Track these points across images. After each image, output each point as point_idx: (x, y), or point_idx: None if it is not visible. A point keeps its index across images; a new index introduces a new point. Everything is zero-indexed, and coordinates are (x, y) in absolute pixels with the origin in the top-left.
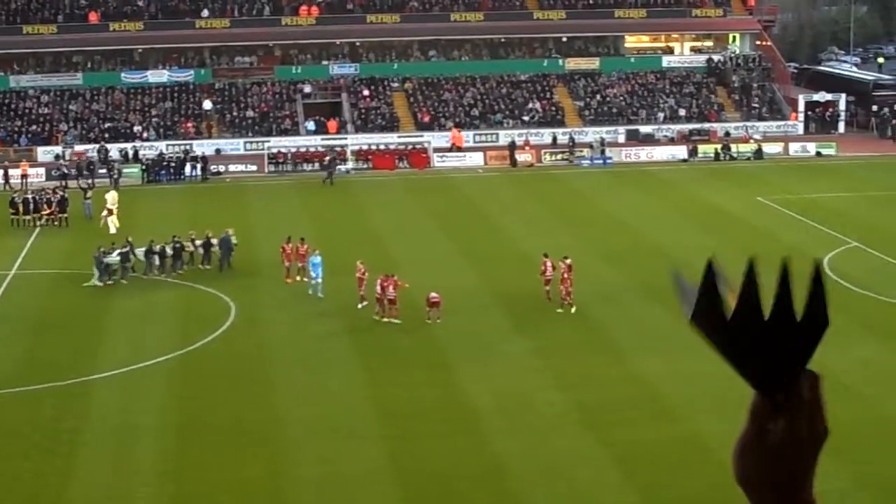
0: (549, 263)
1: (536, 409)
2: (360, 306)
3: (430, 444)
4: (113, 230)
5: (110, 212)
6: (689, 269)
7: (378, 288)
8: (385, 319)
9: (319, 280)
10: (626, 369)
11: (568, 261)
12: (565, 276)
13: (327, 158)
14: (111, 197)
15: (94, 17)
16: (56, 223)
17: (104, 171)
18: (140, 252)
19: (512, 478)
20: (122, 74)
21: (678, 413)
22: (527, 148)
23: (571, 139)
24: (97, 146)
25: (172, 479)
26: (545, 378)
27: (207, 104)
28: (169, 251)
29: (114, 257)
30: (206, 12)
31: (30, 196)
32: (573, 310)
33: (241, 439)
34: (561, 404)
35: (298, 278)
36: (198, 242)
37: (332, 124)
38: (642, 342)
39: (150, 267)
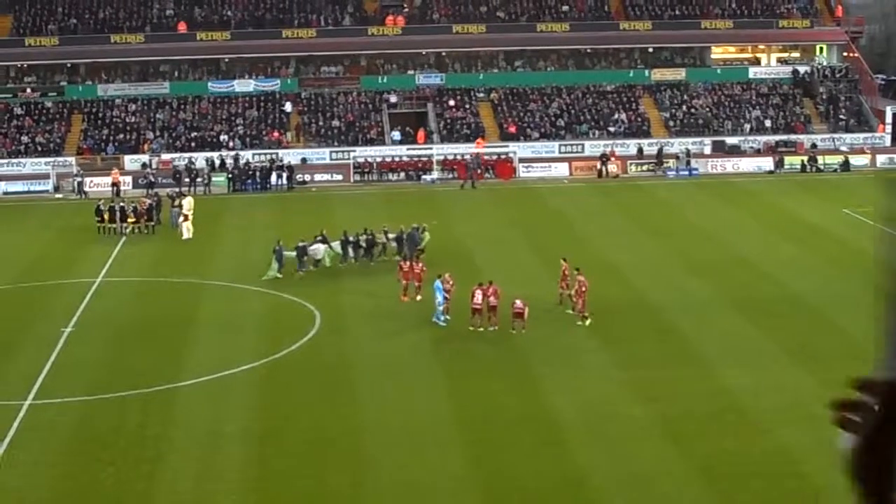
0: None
1: (619, 421)
2: (442, 318)
3: (513, 454)
4: (187, 236)
5: (185, 217)
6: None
7: (478, 297)
8: (482, 329)
9: (439, 307)
10: (711, 382)
11: (580, 277)
12: (582, 289)
13: (469, 161)
14: (187, 203)
15: (182, 27)
16: (144, 231)
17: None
18: (336, 244)
19: (593, 489)
20: (209, 84)
21: (762, 426)
22: (613, 159)
23: (660, 149)
24: (185, 157)
25: (255, 488)
26: (628, 390)
27: (288, 106)
28: (363, 242)
29: (290, 253)
30: (296, 22)
31: (116, 205)
32: (588, 322)
33: (324, 448)
34: (644, 416)
35: (419, 297)
36: (391, 235)
37: (420, 134)
38: (727, 354)
39: (345, 256)
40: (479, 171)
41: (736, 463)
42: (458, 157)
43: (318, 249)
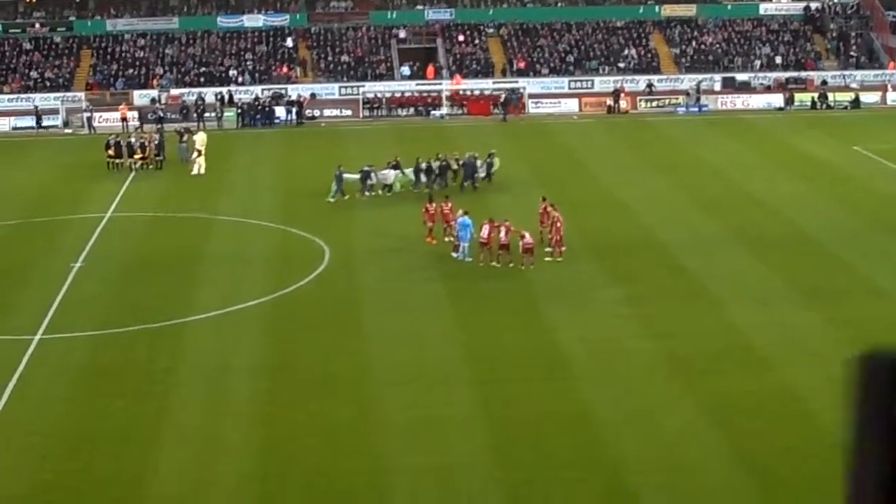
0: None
1: (626, 357)
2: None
3: (520, 390)
4: (199, 171)
5: (199, 153)
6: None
7: (485, 231)
8: (494, 264)
9: (465, 244)
10: (718, 319)
11: (555, 213)
12: (557, 224)
13: (503, 97)
14: (199, 139)
15: None
16: (151, 166)
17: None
18: (409, 171)
19: (600, 424)
20: (218, 19)
21: (770, 363)
22: (623, 95)
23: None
24: (195, 92)
25: (263, 422)
26: (636, 326)
27: (289, 41)
28: (435, 168)
29: (351, 175)
30: None
31: (124, 140)
32: (559, 259)
33: (332, 383)
34: (651, 352)
35: (447, 239)
36: (461, 161)
37: (430, 69)
38: (735, 292)
39: (418, 182)
40: (516, 105)
41: (742, 400)
42: (468, 93)
43: (388, 174)
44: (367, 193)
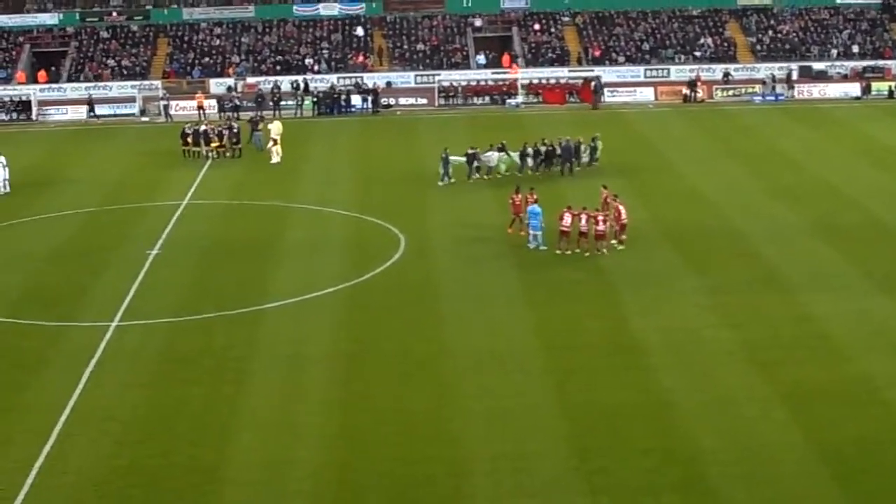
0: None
1: (704, 346)
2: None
3: (597, 378)
4: (276, 159)
5: (275, 142)
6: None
7: (567, 219)
8: (569, 252)
9: (538, 232)
10: (795, 308)
11: (617, 204)
12: (618, 215)
13: (592, 84)
14: (275, 127)
15: None
16: (228, 154)
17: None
18: (515, 154)
19: (677, 413)
20: (294, 7)
21: (847, 353)
22: (699, 84)
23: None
24: (270, 81)
25: (339, 409)
26: (714, 315)
27: (360, 30)
28: (542, 152)
29: (457, 158)
30: None
31: (201, 128)
32: (620, 247)
33: (408, 371)
34: (729, 341)
35: (522, 233)
36: (562, 145)
37: (506, 58)
38: (812, 281)
39: (524, 165)
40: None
41: (819, 389)
42: (543, 82)
43: (492, 157)
44: (472, 177)
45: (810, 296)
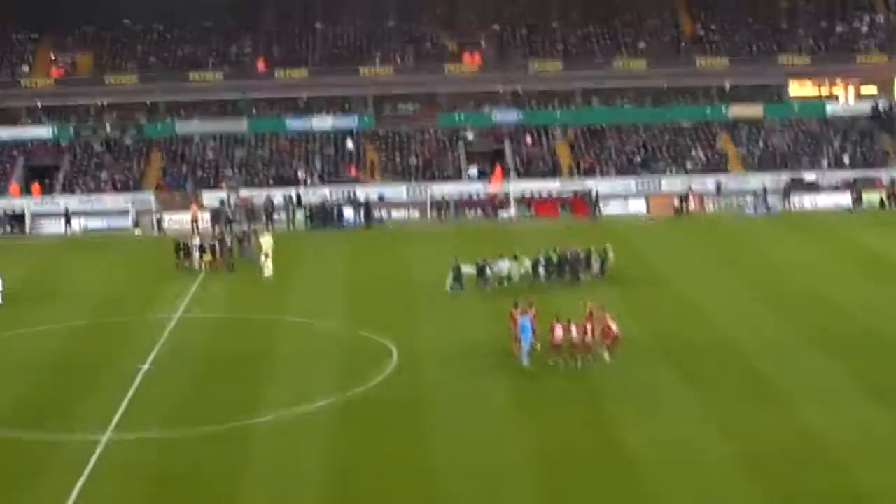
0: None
1: (700, 459)
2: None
3: (590, 494)
4: (268, 273)
5: (266, 256)
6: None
7: (559, 332)
8: (562, 362)
9: (527, 344)
10: (792, 420)
11: (607, 317)
12: (606, 329)
13: (593, 195)
14: (266, 242)
15: (261, 65)
16: (219, 268)
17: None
18: (527, 262)
19: None
20: (287, 121)
21: (845, 464)
22: (691, 196)
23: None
24: (264, 193)
25: None
26: (709, 428)
27: (350, 143)
28: (554, 260)
29: (468, 269)
30: (383, 59)
31: (195, 241)
32: (606, 357)
33: (401, 488)
34: (726, 455)
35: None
36: (581, 255)
37: (497, 171)
38: (809, 393)
39: (536, 275)
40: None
41: (817, 503)
42: (535, 195)
43: (504, 266)
44: (486, 286)
45: (807, 407)
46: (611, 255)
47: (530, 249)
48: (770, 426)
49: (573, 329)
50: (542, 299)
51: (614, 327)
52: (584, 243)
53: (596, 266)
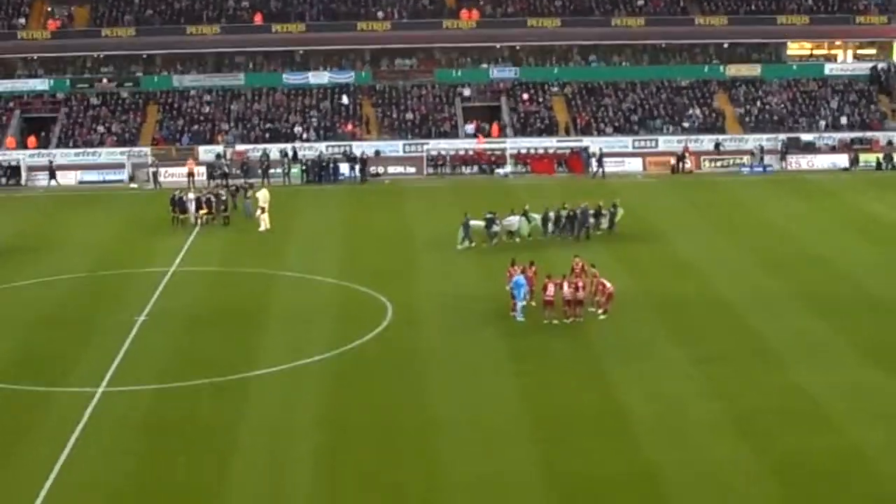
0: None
1: (692, 417)
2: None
3: (584, 449)
4: (264, 227)
5: (263, 209)
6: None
7: (550, 289)
8: (556, 321)
9: (520, 301)
10: (784, 379)
11: (594, 272)
12: (600, 287)
13: (598, 155)
14: (263, 195)
15: (258, 19)
16: (216, 222)
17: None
18: (536, 217)
19: (665, 484)
20: (284, 76)
21: (835, 423)
22: (688, 155)
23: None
24: (259, 148)
25: (326, 479)
26: (701, 385)
27: (345, 98)
28: (563, 216)
29: (477, 223)
30: (380, 14)
31: (190, 195)
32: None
33: (395, 440)
34: (717, 412)
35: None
36: (591, 211)
37: (494, 128)
38: (801, 352)
39: (546, 230)
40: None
41: (808, 462)
42: (532, 151)
43: (513, 221)
44: (494, 241)
45: (798, 366)
46: (620, 211)
47: (531, 206)
48: (762, 384)
49: (565, 286)
50: (551, 254)
51: (608, 284)
52: (579, 200)
53: (605, 222)
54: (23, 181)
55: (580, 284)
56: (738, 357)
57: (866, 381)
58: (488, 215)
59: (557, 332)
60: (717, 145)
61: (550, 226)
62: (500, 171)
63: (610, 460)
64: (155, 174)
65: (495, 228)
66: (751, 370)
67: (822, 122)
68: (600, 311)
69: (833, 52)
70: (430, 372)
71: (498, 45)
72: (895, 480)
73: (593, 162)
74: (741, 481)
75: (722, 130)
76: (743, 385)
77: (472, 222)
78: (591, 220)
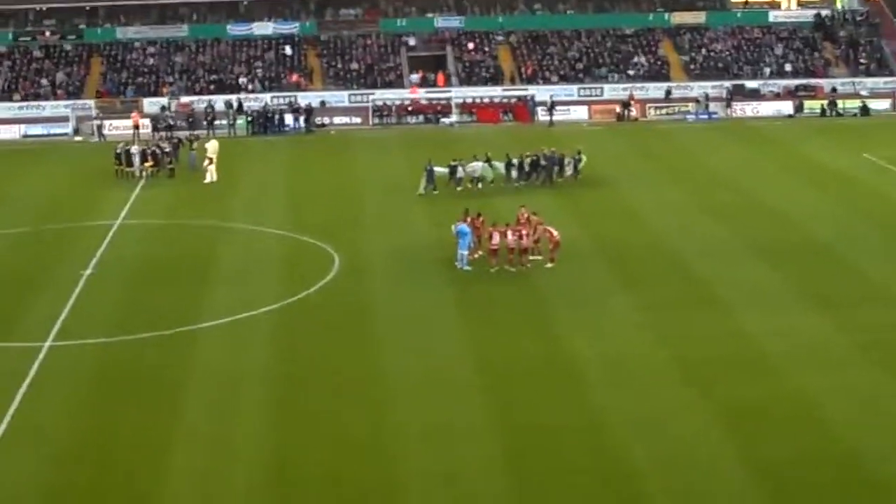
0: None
1: (638, 364)
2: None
3: (532, 398)
4: (211, 179)
5: (210, 160)
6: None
7: (496, 238)
8: (509, 268)
9: (464, 252)
10: (729, 325)
11: (538, 221)
12: (547, 235)
13: (549, 102)
14: (212, 146)
15: None
16: (161, 174)
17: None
18: (499, 164)
19: (612, 431)
20: (228, 27)
21: (780, 369)
22: (633, 103)
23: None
24: (204, 100)
25: (274, 429)
26: (648, 333)
27: (288, 49)
28: (526, 165)
29: (441, 169)
30: None
31: (134, 147)
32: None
33: (343, 391)
34: (663, 359)
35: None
36: (547, 157)
37: (440, 77)
38: (746, 298)
39: (509, 177)
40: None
41: (754, 407)
42: (477, 100)
43: (476, 167)
44: (458, 188)
45: (744, 313)
46: (583, 158)
47: (491, 154)
48: (707, 331)
49: (509, 234)
50: (515, 200)
51: (555, 232)
52: (526, 148)
53: (569, 169)
54: None
55: (524, 233)
56: (685, 304)
57: (811, 328)
58: (452, 162)
59: (504, 281)
60: (668, 92)
61: (514, 172)
62: (446, 120)
63: (558, 408)
64: (99, 127)
65: (460, 175)
66: (697, 317)
67: (767, 70)
68: (548, 260)
69: None
70: (377, 322)
71: None
72: (839, 425)
73: (539, 110)
74: (686, 427)
75: (667, 78)
76: (689, 331)
77: (435, 169)
78: (555, 167)
